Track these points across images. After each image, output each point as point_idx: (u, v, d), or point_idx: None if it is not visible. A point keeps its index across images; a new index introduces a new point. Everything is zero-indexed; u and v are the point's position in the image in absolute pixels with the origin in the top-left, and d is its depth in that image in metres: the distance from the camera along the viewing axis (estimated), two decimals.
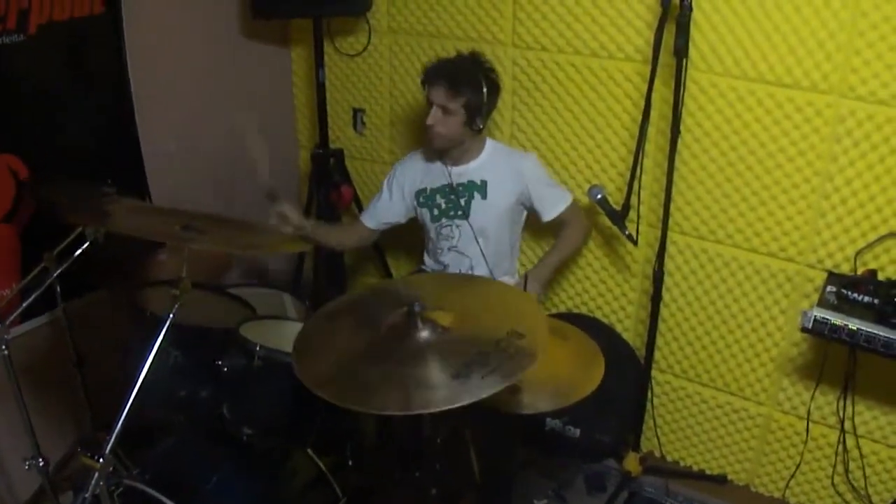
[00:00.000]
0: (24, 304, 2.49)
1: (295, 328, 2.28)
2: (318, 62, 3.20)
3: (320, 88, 3.25)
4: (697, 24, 2.54)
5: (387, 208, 3.01)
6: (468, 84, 2.66)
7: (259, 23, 3.24)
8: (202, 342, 2.27)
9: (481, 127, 2.73)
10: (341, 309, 2.02)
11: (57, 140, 2.71)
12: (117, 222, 2.07)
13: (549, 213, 2.87)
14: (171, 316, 1.87)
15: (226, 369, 2.15)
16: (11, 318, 2.50)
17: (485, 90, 2.68)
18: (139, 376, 1.93)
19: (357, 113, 3.50)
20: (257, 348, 2.12)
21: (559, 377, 2.10)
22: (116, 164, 2.92)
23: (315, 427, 2.20)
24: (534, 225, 2.98)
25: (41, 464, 2.27)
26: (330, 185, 3.32)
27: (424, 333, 1.77)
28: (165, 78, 3.01)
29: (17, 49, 2.49)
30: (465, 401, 1.58)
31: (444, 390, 1.65)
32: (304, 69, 3.55)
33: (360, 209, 3.38)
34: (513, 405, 2.05)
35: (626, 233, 2.74)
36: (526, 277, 2.75)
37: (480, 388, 1.61)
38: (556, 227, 2.92)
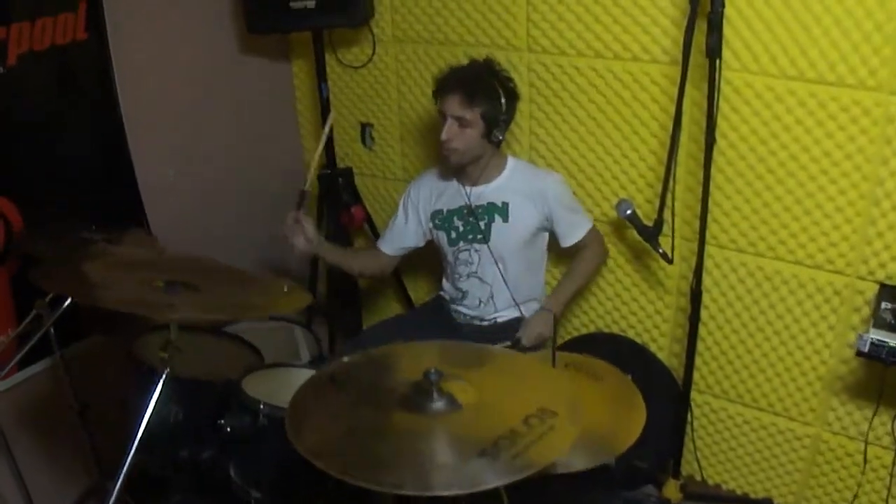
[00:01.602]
0: (18, 356, 2.38)
1: (304, 378, 2.11)
2: (321, 77, 3.03)
3: (324, 104, 3.07)
4: (729, 18, 2.33)
5: (403, 232, 2.84)
6: (485, 92, 2.49)
7: (257, 37, 3.07)
8: (203, 397, 2.12)
9: (500, 139, 2.55)
10: (344, 371, 1.80)
11: (46, 174, 2.56)
12: (91, 289, 1.85)
13: (568, 239, 2.71)
14: (163, 378, 1.70)
15: (229, 429, 1.97)
16: (7, 368, 2.37)
17: (502, 98, 2.51)
18: (136, 435, 1.79)
19: (365, 127, 3.32)
20: (261, 406, 1.95)
21: (596, 428, 1.84)
22: (111, 194, 2.77)
23: (327, 489, 2.02)
24: (555, 247, 2.80)
25: None
26: (340, 206, 3.15)
27: (440, 405, 1.57)
28: (158, 101, 2.85)
29: None
30: (493, 484, 1.39)
31: (469, 470, 1.44)
32: (306, 84, 3.37)
33: (373, 229, 3.22)
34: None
35: (661, 251, 2.54)
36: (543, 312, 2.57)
37: (510, 471, 1.41)
38: (573, 250, 2.75)
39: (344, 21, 2.91)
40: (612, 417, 1.94)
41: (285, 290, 1.90)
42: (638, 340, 2.95)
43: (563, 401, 1.58)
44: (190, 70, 2.96)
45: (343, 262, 2.86)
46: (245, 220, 3.20)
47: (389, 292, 3.56)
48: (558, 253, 2.87)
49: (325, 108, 3.08)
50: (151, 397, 1.73)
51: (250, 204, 3.26)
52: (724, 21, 2.28)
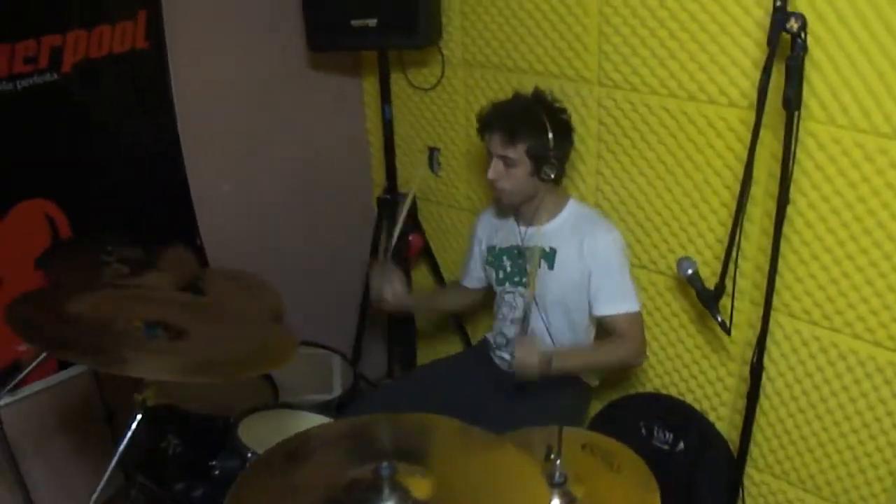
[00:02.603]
0: (35, 363, 2.36)
1: (309, 422, 2.01)
2: (385, 98, 2.93)
3: (387, 126, 2.97)
4: (815, 63, 2.07)
5: (477, 264, 2.74)
6: (528, 127, 2.32)
7: (324, 53, 3.00)
8: (202, 433, 2.05)
9: (552, 176, 2.37)
10: (306, 446, 1.64)
11: (98, 183, 2.56)
12: (59, 337, 1.66)
13: (600, 307, 2.43)
14: (136, 422, 1.63)
15: (217, 472, 1.89)
16: (27, 370, 2.37)
17: (550, 133, 2.32)
18: (114, 459, 1.75)
19: (433, 152, 3.19)
20: (249, 455, 1.85)
21: None
22: (163, 205, 2.76)
23: None
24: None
25: None
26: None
27: None
28: (217, 115, 2.82)
29: (49, 88, 2.36)
30: None
31: None
32: (377, 102, 3.24)
33: (431, 259, 3.17)
34: None
35: (719, 319, 2.29)
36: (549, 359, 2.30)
37: None
38: (606, 332, 2.49)
39: (406, 42, 2.78)
40: None
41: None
42: (696, 407, 2.68)
43: None
44: (251, 83, 2.91)
45: (435, 308, 2.97)
46: (305, 239, 3.14)
47: (446, 328, 3.42)
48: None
49: (387, 131, 2.98)
50: (127, 433, 1.67)
51: (311, 223, 3.19)
52: (810, 65, 2.04)
